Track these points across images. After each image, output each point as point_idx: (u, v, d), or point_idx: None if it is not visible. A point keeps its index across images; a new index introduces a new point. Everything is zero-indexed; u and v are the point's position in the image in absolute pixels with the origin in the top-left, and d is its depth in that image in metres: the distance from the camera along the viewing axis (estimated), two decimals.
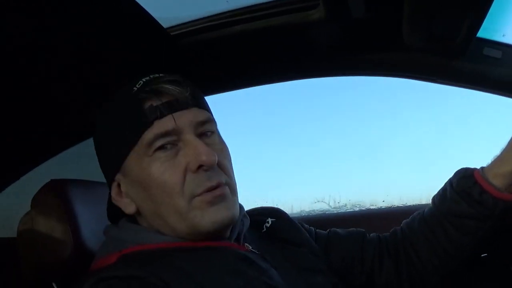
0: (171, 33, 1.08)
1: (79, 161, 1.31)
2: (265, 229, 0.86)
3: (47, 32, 0.89)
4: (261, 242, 0.81)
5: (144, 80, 0.72)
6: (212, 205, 0.68)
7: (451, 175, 0.86)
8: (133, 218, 0.76)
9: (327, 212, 1.48)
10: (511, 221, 0.82)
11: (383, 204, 1.39)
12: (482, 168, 0.82)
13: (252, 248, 0.76)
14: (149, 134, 0.68)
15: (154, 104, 0.68)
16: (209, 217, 0.68)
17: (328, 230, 0.94)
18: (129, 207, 0.73)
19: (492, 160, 0.82)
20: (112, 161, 0.73)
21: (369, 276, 0.89)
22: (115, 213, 0.77)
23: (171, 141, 0.69)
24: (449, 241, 0.83)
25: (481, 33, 0.96)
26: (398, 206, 1.36)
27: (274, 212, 0.91)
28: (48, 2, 0.80)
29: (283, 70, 1.20)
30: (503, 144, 0.81)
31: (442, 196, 0.85)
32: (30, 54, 0.93)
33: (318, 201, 1.49)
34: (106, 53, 1.04)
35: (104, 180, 0.84)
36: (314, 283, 0.79)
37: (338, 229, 0.94)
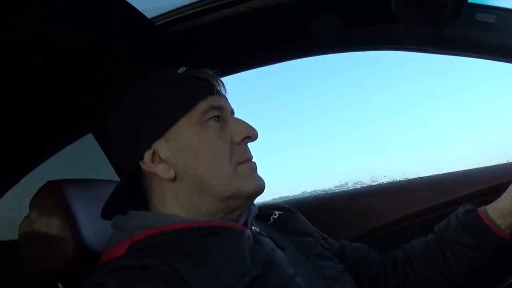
0: (157, 23, 1.06)
1: (73, 161, 1.31)
2: (272, 221, 0.90)
3: (33, 31, 0.88)
4: (268, 230, 0.83)
5: (184, 68, 0.79)
6: (253, 172, 0.77)
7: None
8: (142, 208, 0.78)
9: (329, 192, 1.47)
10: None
11: (384, 180, 1.38)
12: (485, 207, 0.91)
13: (259, 231, 0.79)
14: (204, 104, 0.75)
15: (210, 82, 0.77)
16: (253, 181, 0.76)
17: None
18: (168, 172, 0.75)
19: (496, 200, 0.91)
20: (154, 129, 0.75)
21: (374, 286, 0.94)
22: (113, 209, 0.77)
23: (221, 116, 0.77)
24: (447, 266, 0.92)
25: None
26: (400, 180, 1.35)
27: (283, 207, 0.95)
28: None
29: (273, 52, 1.19)
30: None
31: (446, 225, 0.94)
32: (17, 50, 0.92)
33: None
34: (95, 50, 1.03)
35: (101, 177, 0.83)
36: (322, 266, 0.82)
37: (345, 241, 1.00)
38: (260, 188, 0.77)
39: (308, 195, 1.50)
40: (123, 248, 0.69)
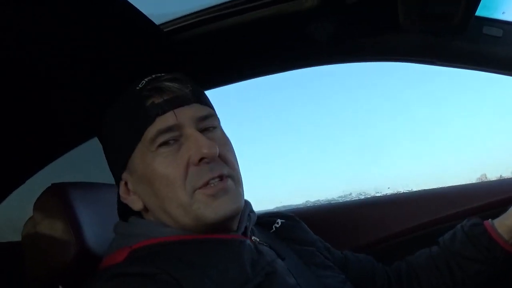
0: (164, 30, 1.07)
1: (78, 164, 1.31)
2: (274, 229, 0.89)
3: (39, 35, 0.89)
4: (269, 239, 0.82)
5: (146, 79, 0.74)
6: (214, 198, 0.69)
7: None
8: (142, 215, 0.78)
9: (332, 202, 1.47)
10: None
11: (388, 191, 1.38)
12: (492, 221, 0.91)
13: (259, 241, 0.78)
14: (151, 130, 0.70)
15: (156, 101, 0.70)
16: (212, 210, 0.69)
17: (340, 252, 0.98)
18: (136, 204, 0.75)
19: (504, 215, 0.90)
20: (118, 160, 0.75)
21: None
22: (124, 211, 0.78)
23: (174, 137, 0.70)
24: (452, 279, 0.91)
25: (480, 11, 0.94)
26: (404, 192, 1.35)
27: (286, 215, 0.94)
28: (37, 2, 0.80)
29: (279, 61, 1.19)
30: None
31: (452, 238, 0.93)
32: (23, 55, 0.93)
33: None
34: (101, 55, 1.04)
35: (104, 181, 0.84)
36: (323, 276, 0.81)
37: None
38: (223, 214, 0.69)
39: (312, 205, 1.50)
40: (123, 255, 0.69)
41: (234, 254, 0.70)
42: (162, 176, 0.69)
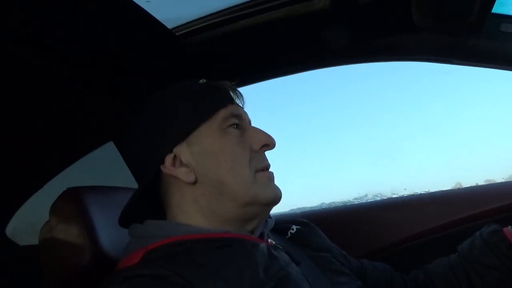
0: (177, 33, 1.08)
1: (93, 168, 1.33)
2: (289, 235, 0.89)
3: (58, 41, 0.91)
4: (284, 244, 0.82)
5: (204, 79, 0.82)
6: (271, 181, 0.78)
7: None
8: (155, 217, 0.78)
9: (348, 204, 1.45)
10: None
11: (405, 192, 1.36)
12: (511, 227, 0.89)
13: (276, 244, 0.78)
14: (225, 112, 0.78)
15: (229, 92, 0.80)
16: (270, 190, 0.77)
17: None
18: (189, 175, 0.76)
19: None
20: (176, 134, 0.77)
21: None
22: (130, 217, 0.78)
23: (239, 123, 0.79)
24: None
25: (496, 8, 0.91)
26: (421, 193, 1.32)
27: (300, 222, 0.94)
28: (55, 9, 0.82)
29: (292, 63, 1.18)
30: None
31: (470, 245, 0.92)
32: (40, 59, 0.94)
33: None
34: (115, 60, 1.05)
35: (119, 184, 0.84)
36: (338, 282, 0.80)
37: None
38: (277, 196, 0.77)
39: (327, 207, 1.49)
40: (138, 257, 0.70)
41: (248, 257, 0.70)
42: (232, 152, 0.76)
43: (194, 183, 0.76)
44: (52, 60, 0.97)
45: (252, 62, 1.18)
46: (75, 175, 1.32)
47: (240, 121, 0.79)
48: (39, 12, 0.82)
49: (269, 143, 0.79)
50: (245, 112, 0.82)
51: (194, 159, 0.76)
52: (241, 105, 0.82)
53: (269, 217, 0.83)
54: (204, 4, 1.05)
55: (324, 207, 1.49)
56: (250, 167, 0.76)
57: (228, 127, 0.77)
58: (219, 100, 0.78)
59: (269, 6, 0.98)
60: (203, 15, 1.07)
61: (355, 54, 1.13)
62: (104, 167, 1.35)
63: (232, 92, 0.81)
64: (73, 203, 0.88)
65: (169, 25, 1.03)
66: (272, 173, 0.79)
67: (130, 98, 1.16)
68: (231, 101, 0.80)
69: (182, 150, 0.76)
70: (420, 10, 0.89)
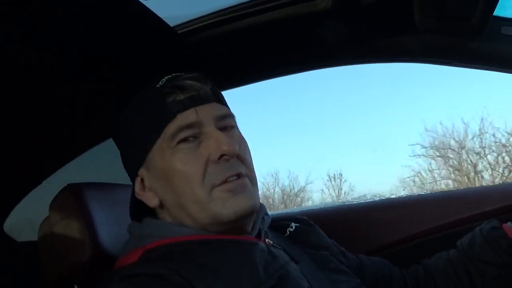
0: (178, 31, 1.08)
1: (93, 165, 1.32)
2: (288, 233, 0.88)
3: (57, 36, 0.90)
4: (283, 242, 0.82)
5: (166, 78, 0.75)
6: (233, 194, 0.69)
7: None
8: (156, 215, 0.78)
9: (347, 203, 1.45)
10: None
11: (403, 193, 1.36)
12: (511, 223, 0.89)
13: (273, 243, 0.77)
14: (172, 127, 0.70)
15: (177, 98, 0.71)
16: (230, 206, 0.69)
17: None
18: (152, 201, 0.74)
19: None
20: (136, 156, 0.75)
21: None
22: (137, 212, 0.78)
23: (193, 134, 0.71)
24: (471, 284, 0.89)
25: (498, 11, 0.92)
26: (420, 194, 1.33)
27: (299, 219, 0.93)
28: (54, 6, 0.82)
29: (293, 62, 1.18)
30: None
31: (470, 242, 0.91)
32: (40, 56, 0.94)
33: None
34: (116, 56, 1.05)
35: (120, 181, 0.84)
36: (338, 281, 0.80)
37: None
38: (241, 210, 0.69)
39: (326, 206, 1.49)
40: (136, 256, 0.70)
41: (247, 256, 0.69)
42: (181, 172, 0.70)
43: (162, 206, 0.74)
44: (52, 55, 0.97)
45: (253, 61, 1.18)
46: (75, 171, 1.31)
47: (197, 129, 0.71)
48: (38, 9, 0.81)
49: (226, 153, 0.69)
50: (207, 112, 0.72)
51: (153, 184, 0.74)
52: (203, 103, 0.72)
53: (266, 214, 0.82)
54: (205, 3, 1.05)
55: (323, 206, 1.49)
56: (204, 185, 0.69)
57: (177, 144, 0.70)
58: (166, 112, 0.71)
59: (271, 6, 0.98)
60: (205, 13, 1.07)
61: (357, 54, 1.13)
62: (104, 163, 1.35)
63: (185, 93, 0.71)
64: (73, 199, 0.88)
65: (171, 23, 1.03)
66: (235, 182, 0.70)
67: (129, 95, 1.16)
68: (180, 109, 0.70)
69: (144, 174, 0.75)
70: (422, 11, 0.90)
